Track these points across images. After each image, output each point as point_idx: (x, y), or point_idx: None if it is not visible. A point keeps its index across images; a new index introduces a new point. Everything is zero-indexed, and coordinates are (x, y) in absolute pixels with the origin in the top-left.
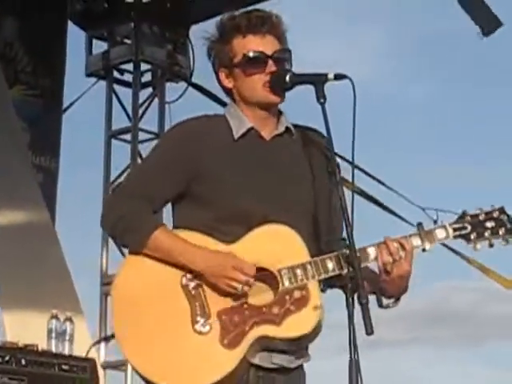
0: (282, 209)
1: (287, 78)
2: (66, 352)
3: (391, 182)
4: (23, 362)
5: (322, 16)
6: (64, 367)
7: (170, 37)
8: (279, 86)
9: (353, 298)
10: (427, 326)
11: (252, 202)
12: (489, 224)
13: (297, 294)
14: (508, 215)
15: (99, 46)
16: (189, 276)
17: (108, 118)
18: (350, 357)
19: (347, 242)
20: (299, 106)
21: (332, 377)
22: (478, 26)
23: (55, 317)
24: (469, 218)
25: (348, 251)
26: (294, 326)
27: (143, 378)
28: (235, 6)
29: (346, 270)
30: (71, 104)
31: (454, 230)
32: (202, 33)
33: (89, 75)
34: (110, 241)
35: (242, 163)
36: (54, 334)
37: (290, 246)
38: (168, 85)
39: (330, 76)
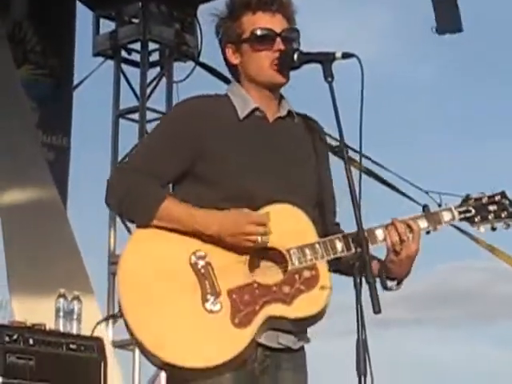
0: (286, 191)
1: (295, 56)
2: (74, 331)
3: (396, 162)
4: (31, 341)
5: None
6: (72, 346)
7: (177, 16)
8: (287, 64)
9: (360, 278)
10: (434, 306)
11: (257, 183)
12: (491, 208)
13: (306, 273)
14: (509, 199)
15: (107, 26)
16: (198, 254)
17: (116, 97)
18: (358, 336)
19: (355, 222)
20: (307, 86)
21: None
22: (436, 21)
23: (63, 296)
24: (472, 201)
25: (356, 231)
26: (305, 305)
27: (152, 356)
28: None
29: (354, 251)
30: (79, 84)
31: (459, 212)
32: (210, 11)
33: (96, 55)
34: (118, 220)
35: (248, 144)
36: (61, 313)
37: (299, 225)
38: (176, 64)
39: (338, 55)
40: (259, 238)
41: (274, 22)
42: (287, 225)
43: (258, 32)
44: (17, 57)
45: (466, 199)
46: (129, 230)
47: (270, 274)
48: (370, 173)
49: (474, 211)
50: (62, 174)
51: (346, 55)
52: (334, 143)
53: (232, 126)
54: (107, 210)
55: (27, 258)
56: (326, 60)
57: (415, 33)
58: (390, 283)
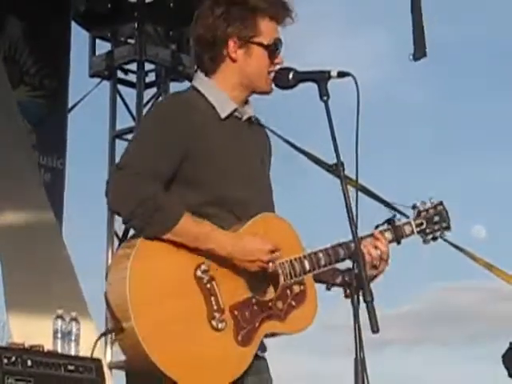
0: (261, 196)
1: (290, 75)
2: (72, 352)
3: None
4: (29, 363)
5: (325, 17)
6: (70, 368)
7: (173, 36)
8: (283, 82)
9: (358, 296)
10: (431, 325)
11: (239, 189)
12: (436, 218)
13: (296, 288)
14: (446, 210)
15: (103, 47)
16: (202, 268)
17: (112, 118)
18: (356, 355)
19: (352, 240)
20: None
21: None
22: (413, 46)
23: (60, 317)
24: (425, 213)
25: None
26: (297, 321)
27: (161, 374)
28: None
29: (335, 263)
30: (75, 105)
31: (416, 225)
32: None
33: (92, 76)
34: (116, 241)
35: (229, 145)
36: (59, 335)
37: (286, 236)
38: (172, 84)
39: (333, 73)
40: (271, 266)
41: (280, 35)
42: (276, 236)
43: (275, 43)
44: (13, 77)
45: (419, 212)
46: None
47: (264, 288)
48: (366, 191)
49: (425, 223)
50: (58, 196)
51: (341, 74)
52: (329, 162)
53: (214, 125)
54: (104, 231)
55: (24, 279)
56: (321, 79)
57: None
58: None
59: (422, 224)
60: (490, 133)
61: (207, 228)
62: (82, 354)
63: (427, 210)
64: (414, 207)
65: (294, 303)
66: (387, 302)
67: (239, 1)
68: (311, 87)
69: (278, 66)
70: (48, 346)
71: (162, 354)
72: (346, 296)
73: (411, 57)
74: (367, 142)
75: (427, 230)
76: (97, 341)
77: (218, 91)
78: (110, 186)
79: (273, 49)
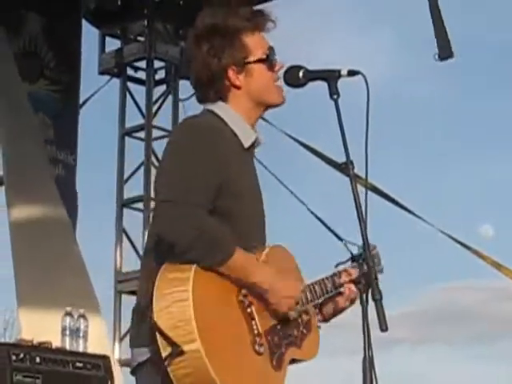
0: (263, 228)
1: (300, 74)
2: (80, 349)
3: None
4: (37, 359)
5: (328, 17)
6: (78, 364)
7: (183, 34)
8: (293, 80)
9: (366, 295)
10: (435, 324)
11: (254, 223)
12: (376, 260)
13: (304, 317)
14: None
15: (112, 44)
16: (243, 292)
17: (121, 115)
18: (365, 354)
19: (361, 240)
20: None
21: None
22: (437, 46)
23: (69, 314)
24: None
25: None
26: (310, 348)
27: None
28: (248, 3)
29: (325, 296)
30: (85, 102)
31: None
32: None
33: (102, 73)
34: (125, 239)
35: (247, 176)
36: (67, 332)
37: (291, 267)
38: (181, 82)
39: (344, 72)
40: (292, 314)
41: (269, 42)
42: (285, 267)
43: (266, 53)
44: (34, 70)
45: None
46: (135, 248)
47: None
48: (376, 190)
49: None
50: (72, 191)
51: (351, 72)
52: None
53: (238, 153)
54: (113, 228)
55: (36, 275)
56: (331, 77)
57: (418, 52)
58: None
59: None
60: (496, 131)
61: (256, 264)
62: (90, 350)
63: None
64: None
65: (305, 331)
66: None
67: (219, 29)
68: (321, 86)
69: (276, 73)
70: (57, 342)
71: (224, 376)
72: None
73: (436, 57)
74: (374, 139)
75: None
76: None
77: (237, 117)
78: (162, 218)
79: (269, 60)
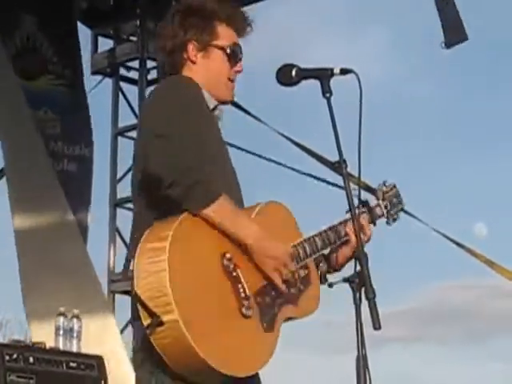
0: (238, 189)
1: (293, 72)
2: (74, 349)
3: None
4: (31, 359)
5: (325, 16)
6: (72, 365)
7: None
8: (286, 79)
9: (360, 294)
10: (429, 323)
11: (231, 180)
12: (394, 200)
13: (302, 272)
14: (399, 192)
15: (105, 44)
16: (227, 256)
17: (114, 115)
18: (358, 352)
19: (355, 238)
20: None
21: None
22: (444, 33)
23: (62, 314)
24: (387, 195)
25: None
26: (307, 304)
27: (210, 369)
28: (238, 4)
29: (329, 247)
30: None
31: (384, 207)
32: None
33: (94, 73)
34: (118, 239)
35: (218, 138)
36: (61, 332)
37: (288, 223)
38: None
39: (336, 71)
40: (286, 272)
41: (239, 44)
42: (278, 221)
43: (233, 47)
44: (35, 66)
45: (383, 194)
46: (128, 249)
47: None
48: (368, 188)
49: (389, 206)
50: (85, 184)
51: (344, 71)
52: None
53: (210, 116)
54: (106, 227)
55: (42, 281)
56: (324, 76)
57: (415, 50)
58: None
59: (387, 206)
60: (493, 130)
61: (243, 215)
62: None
63: (387, 192)
64: (376, 190)
65: (302, 287)
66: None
67: (196, 9)
68: (314, 84)
69: (238, 75)
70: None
71: (204, 344)
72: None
73: (443, 45)
74: (373, 137)
75: (391, 212)
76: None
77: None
78: (153, 151)
79: (231, 53)
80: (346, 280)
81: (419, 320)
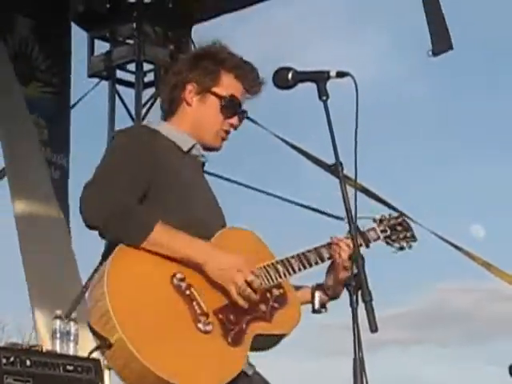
0: (218, 217)
1: (289, 75)
2: (71, 352)
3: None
4: (28, 362)
5: (325, 17)
6: (69, 368)
7: (172, 37)
8: (282, 82)
9: (356, 296)
10: (429, 325)
11: (200, 210)
12: (399, 228)
13: (275, 291)
14: (407, 222)
15: (102, 47)
16: (178, 276)
17: (111, 118)
18: (355, 355)
19: (352, 241)
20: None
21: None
22: (431, 42)
23: (59, 317)
24: (386, 222)
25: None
26: (284, 322)
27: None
28: (236, 6)
29: (308, 268)
30: (74, 105)
31: (381, 231)
32: (204, 34)
33: (91, 76)
34: None
35: (191, 174)
36: (58, 335)
37: (254, 246)
38: None
39: (332, 73)
40: (244, 286)
41: (242, 99)
42: (247, 247)
43: (232, 99)
44: (25, 73)
45: (380, 220)
46: None
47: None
48: (365, 191)
49: (389, 231)
50: (65, 194)
51: (340, 74)
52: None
53: (177, 155)
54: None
55: (42, 276)
56: (320, 79)
57: (414, 51)
58: (319, 307)
59: (385, 230)
60: (491, 131)
61: (183, 238)
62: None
63: (388, 220)
64: (374, 220)
65: (276, 305)
66: (386, 303)
67: (209, 54)
68: (310, 87)
69: (231, 129)
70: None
71: (157, 359)
72: (314, 311)
73: (430, 53)
74: (371, 138)
75: (392, 237)
76: (89, 354)
77: (177, 130)
78: (84, 201)
79: (228, 104)
80: (331, 275)
81: (419, 322)
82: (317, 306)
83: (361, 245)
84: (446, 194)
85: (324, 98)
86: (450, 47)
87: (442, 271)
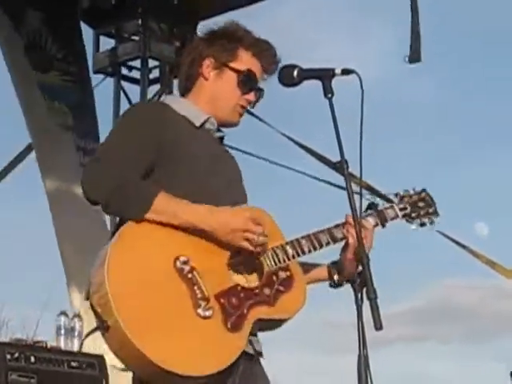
0: (233, 190)
1: (295, 73)
2: (75, 349)
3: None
4: (32, 359)
5: (331, 13)
6: (73, 364)
7: (177, 33)
8: (287, 79)
9: (361, 294)
10: (437, 321)
11: (211, 182)
12: (420, 204)
13: (282, 274)
14: (431, 196)
15: (107, 43)
16: (181, 259)
17: (116, 114)
18: (359, 352)
19: (356, 238)
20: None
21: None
22: (410, 49)
23: (64, 313)
24: (408, 198)
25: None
26: (287, 306)
27: (153, 366)
28: (242, 3)
29: (318, 249)
30: None
31: (400, 209)
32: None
33: (96, 72)
34: None
35: (203, 147)
36: (62, 331)
37: (267, 228)
38: (176, 81)
39: (338, 71)
40: (255, 237)
41: (260, 76)
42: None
43: (250, 76)
44: (43, 62)
45: (402, 197)
46: None
47: (248, 276)
48: (370, 189)
49: (409, 208)
50: None
51: (345, 71)
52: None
53: (188, 130)
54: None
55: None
56: (325, 76)
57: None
58: (337, 280)
59: (405, 208)
60: (495, 129)
61: (184, 202)
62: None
63: (410, 196)
64: (396, 194)
65: (281, 288)
66: (390, 300)
67: (227, 31)
68: (316, 85)
69: (245, 101)
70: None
71: (152, 344)
72: (331, 285)
73: (406, 59)
74: (377, 136)
75: (413, 215)
76: (84, 338)
77: (190, 105)
78: (85, 176)
79: (245, 79)
80: (347, 280)
81: (423, 319)
82: (336, 279)
83: (376, 224)
84: (449, 192)
85: (329, 95)
86: (419, 59)
87: (447, 268)
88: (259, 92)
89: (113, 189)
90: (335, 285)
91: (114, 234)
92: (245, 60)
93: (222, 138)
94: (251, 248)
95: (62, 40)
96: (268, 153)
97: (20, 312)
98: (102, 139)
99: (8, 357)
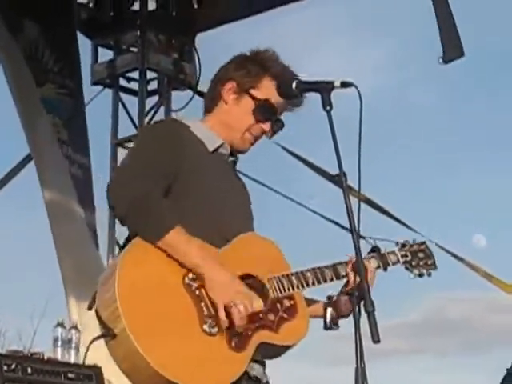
0: (248, 223)
1: (294, 85)
2: (72, 360)
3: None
4: (29, 370)
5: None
6: (70, 375)
7: (175, 45)
8: (285, 91)
9: (359, 307)
10: (428, 335)
11: (226, 212)
12: (420, 254)
13: (286, 302)
14: (430, 249)
15: (105, 55)
16: (191, 276)
17: (114, 126)
18: (357, 365)
19: (354, 251)
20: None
21: None
22: (442, 49)
23: (61, 325)
24: (408, 247)
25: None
26: (290, 333)
27: (156, 376)
28: (240, 15)
29: (322, 284)
30: None
31: (401, 256)
32: (209, 41)
33: (94, 83)
34: (117, 248)
35: (216, 171)
36: (59, 342)
37: (270, 255)
38: (174, 93)
39: (337, 84)
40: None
41: (279, 107)
42: (264, 255)
43: (267, 105)
44: (39, 75)
45: (403, 245)
46: None
47: (253, 301)
48: (369, 202)
49: (410, 256)
50: (89, 191)
51: (344, 84)
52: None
53: (203, 153)
54: (105, 239)
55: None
56: (324, 89)
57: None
58: (331, 323)
59: (406, 255)
60: (495, 140)
61: (196, 250)
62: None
63: (411, 245)
64: (397, 243)
65: (285, 316)
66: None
67: (258, 58)
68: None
69: (259, 131)
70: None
71: (157, 353)
72: (325, 328)
73: (440, 60)
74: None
75: (413, 263)
76: (88, 346)
77: (207, 130)
78: (109, 189)
79: (261, 107)
80: (345, 293)
81: (418, 332)
82: (329, 323)
83: (379, 267)
84: (447, 204)
85: (328, 108)
86: (462, 54)
87: (441, 280)
88: (277, 123)
89: (133, 206)
90: (326, 328)
91: (124, 246)
92: (266, 90)
93: (234, 163)
94: (220, 311)
95: (58, 52)
96: (263, 165)
97: (16, 322)
98: (98, 151)
99: (5, 368)
